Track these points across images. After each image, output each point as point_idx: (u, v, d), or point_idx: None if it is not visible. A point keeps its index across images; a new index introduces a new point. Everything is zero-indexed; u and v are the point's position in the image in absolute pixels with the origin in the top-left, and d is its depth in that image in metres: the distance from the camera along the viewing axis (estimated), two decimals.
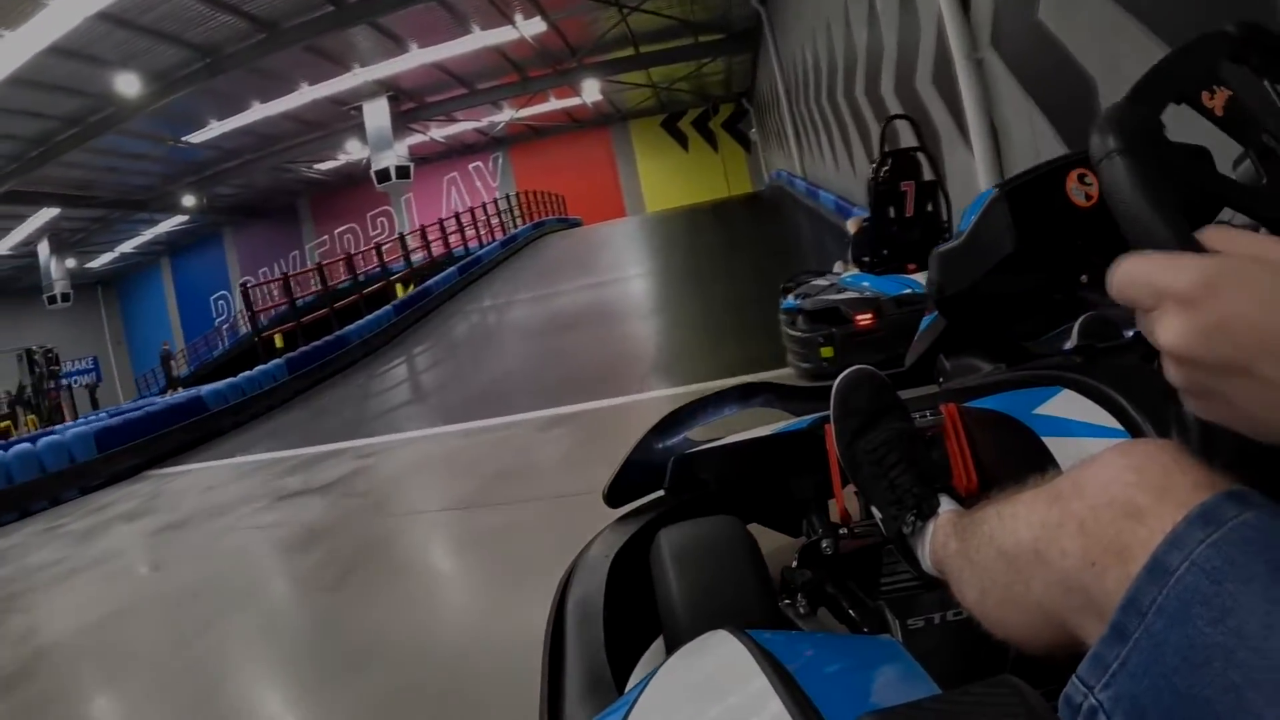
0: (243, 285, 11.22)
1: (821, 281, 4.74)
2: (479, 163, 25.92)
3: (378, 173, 18.40)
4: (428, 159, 25.51)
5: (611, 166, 26.05)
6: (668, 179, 25.52)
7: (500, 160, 26.00)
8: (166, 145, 19.03)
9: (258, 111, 18.17)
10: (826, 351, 3.91)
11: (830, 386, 1.11)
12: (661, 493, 1.43)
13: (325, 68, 16.68)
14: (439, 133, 23.19)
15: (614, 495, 1.42)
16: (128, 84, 14.67)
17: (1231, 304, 0.43)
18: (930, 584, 0.92)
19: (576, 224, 21.27)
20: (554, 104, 22.41)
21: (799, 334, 4.36)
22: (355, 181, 25.75)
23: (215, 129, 18.65)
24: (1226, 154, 0.68)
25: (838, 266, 5.08)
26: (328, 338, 9.33)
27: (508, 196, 19.46)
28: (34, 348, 14.60)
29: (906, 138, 5.44)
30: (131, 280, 29.26)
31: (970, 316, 1.36)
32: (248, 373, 7.77)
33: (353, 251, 14.73)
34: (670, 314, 7.75)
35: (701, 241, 13.41)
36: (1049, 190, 1.03)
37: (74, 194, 19.99)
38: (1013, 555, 0.59)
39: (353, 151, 22.60)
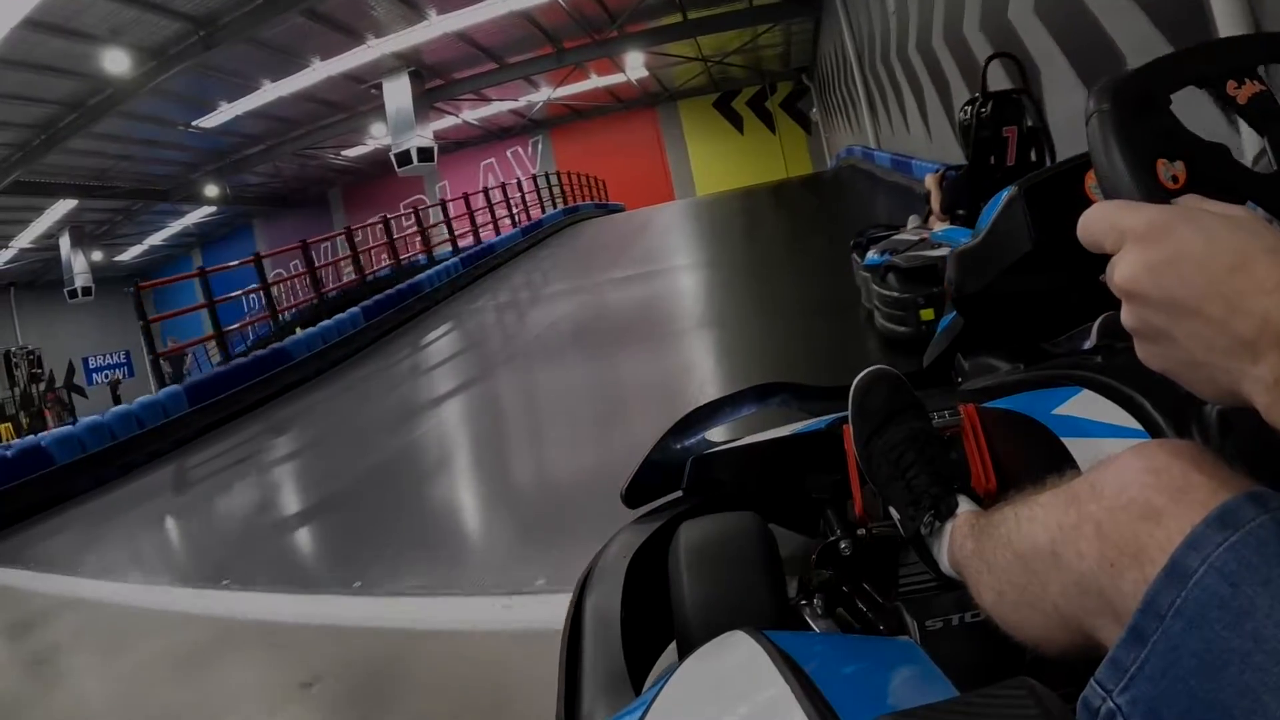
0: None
1: (907, 235, 4.24)
2: (517, 147, 23.98)
3: (397, 155, 16.68)
4: (462, 144, 23.81)
5: (659, 150, 23.85)
6: (721, 163, 23.27)
7: (540, 144, 24.03)
8: (178, 130, 17.86)
9: (270, 92, 16.67)
10: (927, 314, 3.51)
11: (848, 386, 1.11)
12: (679, 493, 1.40)
13: (337, 40, 15.00)
14: (472, 114, 21.34)
15: (632, 495, 1.39)
16: (116, 61, 13.34)
17: (1182, 242, 0.44)
18: (948, 585, 0.92)
19: (618, 210, 19.20)
20: (595, 81, 20.34)
21: (893, 294, 3.91)
22: (387, 169, 24.22)
23: (227, 112, 17.25)
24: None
25: (913, 221, 4.59)
26: (259, 353, 7.30)
27: (534, 178, 17.36)
28: (13, 349, 13.15)
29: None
30: (164, 272, 28.16)
31: (989, 316, 1.36)
32: (124, 406, 5.83)
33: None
34: (724, 331, 5.54)
35: (761, 224, 11.35)
36: (1068, 188, 1.01)
37: (90, 184, 19.18)
38: (1029, 558, 0.59)
39: (379, 136, 21.06)
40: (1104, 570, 0.49)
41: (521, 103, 21.02)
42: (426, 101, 17.63)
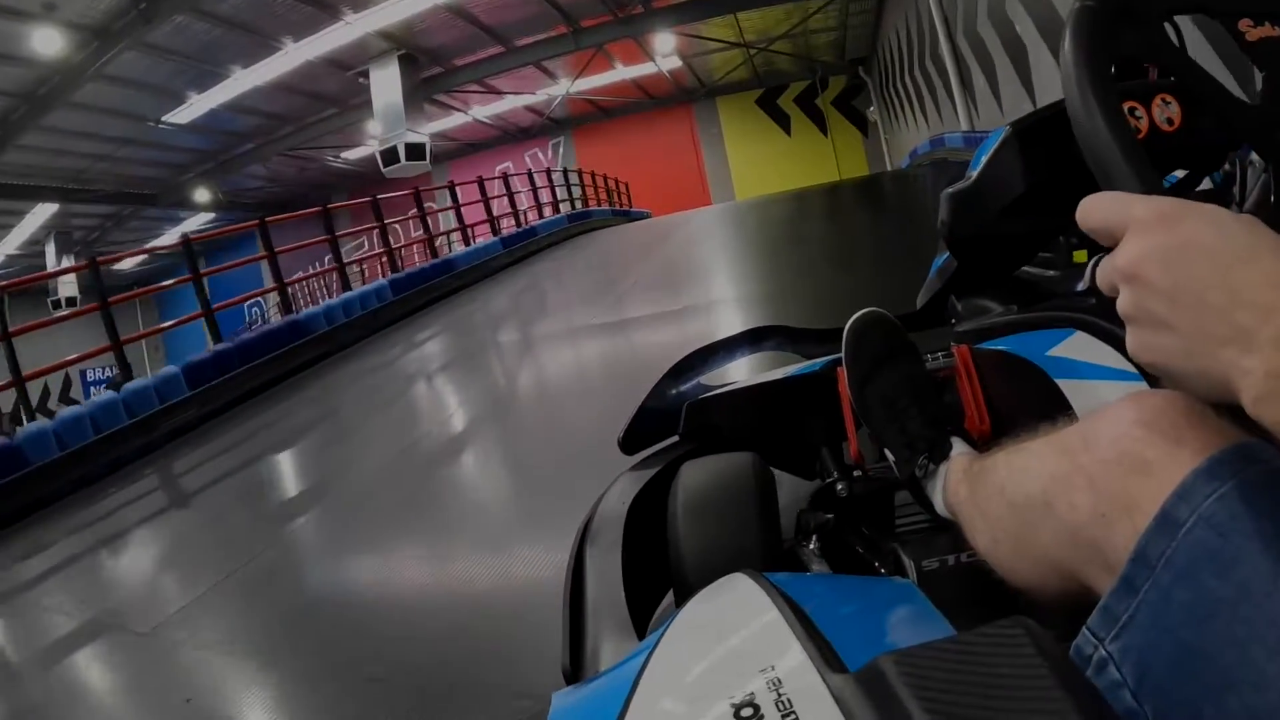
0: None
1: None
2: (536, 149, 21.41)
3: (383, 153, 14.33)
4: (475, 145, 21.48)
5: (695, 153, 21.08)
6: (765, 167, 20.44)
7: (561, 146, 21.44)
8: (150, 127, 15.99)
9: (242, 80, 14.55)
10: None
11: (841, 328, 1.11)
12: (676, 439, 1.39)
13: (309, 15, 12.78)
14: (483, 111, 18.93)
15: (629, 442, 1.39)
16: (51, 40, 11.40)
17: (1193, 230, 0.45)
18: (944, 525, 0.91)
19: (642, 217, 16.49)
20: (621, 72, 17.76)
21: None
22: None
23: (199, 105, 15.24)
24: None
25: None
26: None
27: (529, 174, 14.59)
28: None
29: None
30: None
31: (982, 257, 1.33)
32: None
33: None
34: None
35: (827, 235, 8.53)
36: (1062, 129, 0.87)
37: (69, 187, 17.39)
38: (1023, 507, 0.60)
39: (379, 134, 18.89)
40: (1096, 522, 0.50)
41: (540, 97, 18.56)
42: (422, 92, 15.30)
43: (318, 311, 7.13)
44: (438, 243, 11.08)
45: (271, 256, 7.85)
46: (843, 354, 1.09)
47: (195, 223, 23.30)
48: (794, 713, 0.43)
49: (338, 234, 9.19)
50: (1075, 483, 0.52)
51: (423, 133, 14.61)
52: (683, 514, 1.04)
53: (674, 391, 1.45)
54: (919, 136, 14.31)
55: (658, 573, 1.07)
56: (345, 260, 9.13)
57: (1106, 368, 0.85)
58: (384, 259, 9.72)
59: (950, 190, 1.25)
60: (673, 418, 1.37)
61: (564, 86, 17.73)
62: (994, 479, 0.66)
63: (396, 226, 11.48)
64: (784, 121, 20.83)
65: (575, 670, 0.87)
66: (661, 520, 1.07)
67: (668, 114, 20.95)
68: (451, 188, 11.44)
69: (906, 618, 0.63)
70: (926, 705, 0.39)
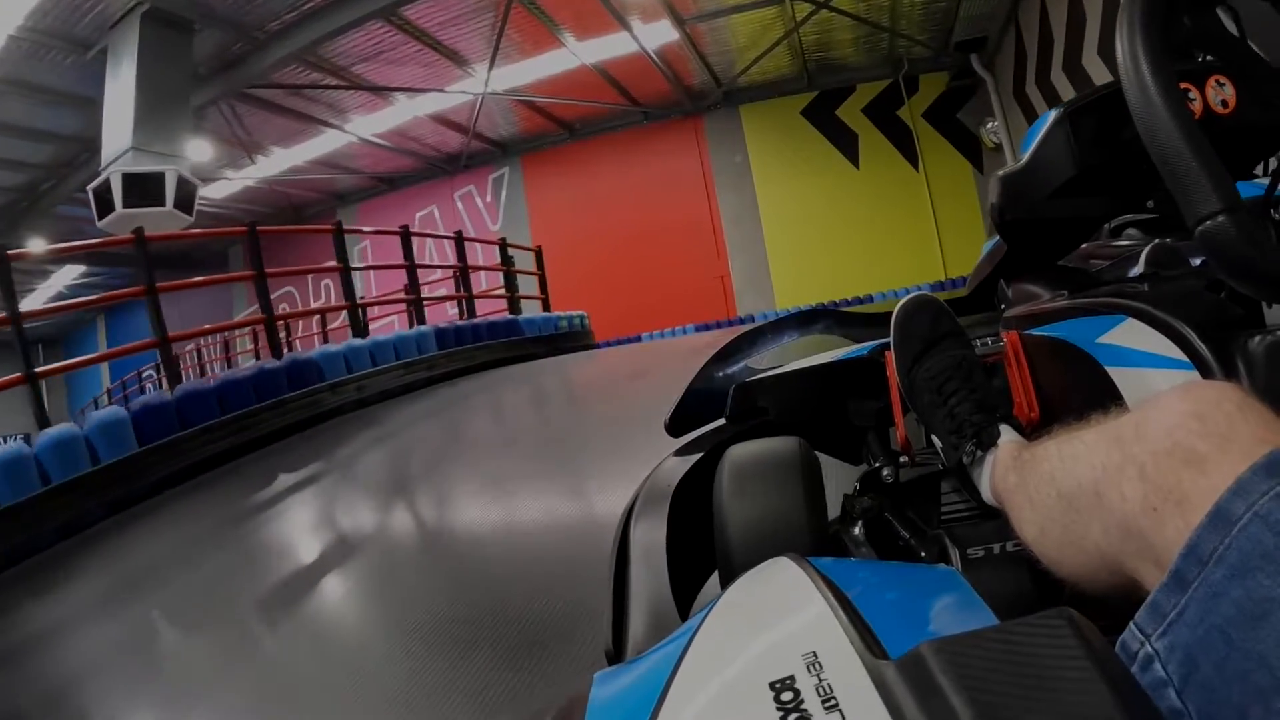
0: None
1: None
2: (471, 186, 14.62)
3: (94, 191, 7.84)
4: (391, 180, 15.03)
5: (705, 195, 13.70)
6: (818, 222, 13.20)
7: (504, 181, 14.47)
8: None
9: None
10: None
11: (890, 313, 1.12)
12: (723, 421, 1.41)
13: None
14: (370, 124, 12.27)
15: (676, 424, 1.42)
16: None
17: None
18: (990, 513, 0.93)
19: (563, 348, 9.19)
20: (575, 50, 10.69)
21: None
22: (300, 218, 15.98)
23: None
24: None
25: None
26: None
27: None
28: None
29: None
30: (71, 340, 22.99)
31: (1033, 241, 1.35)
32: None
33: None
34: None
35: None
36: (1114, 111, 0.98)
37: None
38: (1072, 497, 0.61)
39: (256, 161, 12.69)
40: (1146, 514, 0.49)
41: (454, 100, 11.84)
42: (217, 86, 8.83)
43: None
44: None
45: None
46: (891, 338, 1.11)
47: (66, 278, 18.50)
48: (834, 698, 0.43)
49: None
50: (1126, 473, 0.52)
51: (179, 156, 8.09)
52: (728, 497, 1.04)
53: (721, 374, 1.48)
54: None
55: (702, 555, 1.08)
56: None
57: (1158, 356, 0.84)
58: None
59: (1002, 173, 1.25)
60: (719, 400, 1.38)
61: (481, 74, 10.94)
62: (1043, 468, 0.67)
63: None
64: (848, 144, 13.48)
65: (618, 651, 0.88)
66: (707, 502, 1.08)
67: (664, 131, 13.74)
68: None
69: (950, 606, 0.63)
70: (967, 694, 0.39)
